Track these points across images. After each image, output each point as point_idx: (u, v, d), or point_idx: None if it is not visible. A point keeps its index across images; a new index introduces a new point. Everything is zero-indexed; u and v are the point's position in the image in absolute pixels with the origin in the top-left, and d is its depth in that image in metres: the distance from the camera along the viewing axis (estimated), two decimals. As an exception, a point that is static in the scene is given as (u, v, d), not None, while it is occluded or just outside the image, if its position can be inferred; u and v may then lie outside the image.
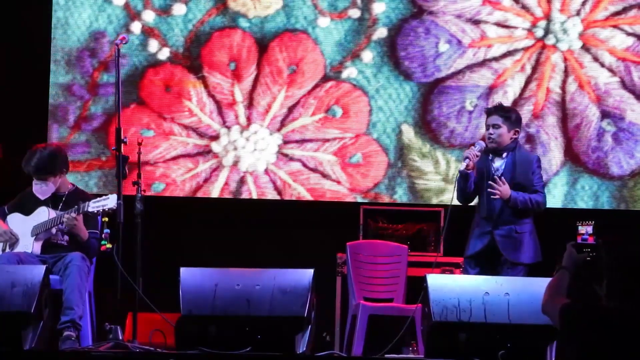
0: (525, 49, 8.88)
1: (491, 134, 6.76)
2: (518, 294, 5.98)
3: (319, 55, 8.94)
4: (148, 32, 8.94)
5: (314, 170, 8.94)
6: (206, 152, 8.98)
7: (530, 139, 8.82)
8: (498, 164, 6.84)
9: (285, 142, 8.97)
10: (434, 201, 8.85)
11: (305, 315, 6.05)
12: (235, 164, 8.97)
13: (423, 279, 6.12)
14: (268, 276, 6.14)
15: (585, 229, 5.30)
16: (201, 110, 8.93)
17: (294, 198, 8.86)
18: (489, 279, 6.15)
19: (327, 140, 8.94)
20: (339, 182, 8.91)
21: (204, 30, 8.93)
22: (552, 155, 8.85)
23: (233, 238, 8.69)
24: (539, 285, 5.59)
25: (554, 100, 8.87)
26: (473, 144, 6.88)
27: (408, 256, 8.01)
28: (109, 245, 6.53)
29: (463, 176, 6.73)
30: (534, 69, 8.88)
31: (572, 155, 8.88)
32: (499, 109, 6.85)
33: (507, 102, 8.69)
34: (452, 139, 8.92)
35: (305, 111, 8.91)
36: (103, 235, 6.60)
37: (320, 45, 8.91)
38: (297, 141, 8.96)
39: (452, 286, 6.04)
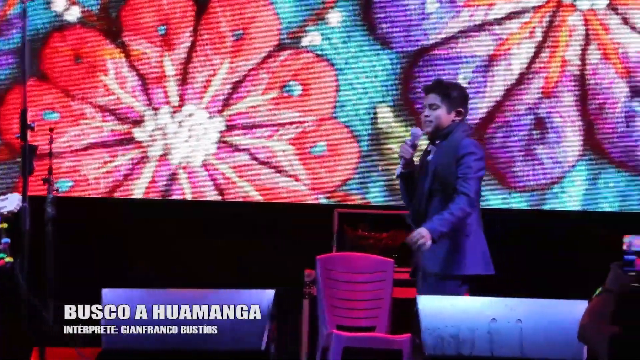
0: (536, 8, 8.56)
1: (426, 115, 6.44)
2: (533, 321, 5.81)
3: (272, 17, 8.62)
4: (53, -15, 8.84)
5: (266, 163, 8.61)
6: (127, 140, 8.68)
7: (540, 123, 8.50)
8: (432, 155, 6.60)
9: (229, 128, 8.62)
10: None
11: (263, 348, 5.85)
12: (165, 155, 8.68)
13: (413, 302, 5.92)
14: (215, 299, 5.89)
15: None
16: (121, 87, 8.59)
17: (239, 199, 8.57)
18: (496, 302, 5.95)
19: (282, 125, 8.63)
20: (297, 179, 8.60)
21: (125, -15, 8.90)
22: (568, 144, 8.52)
23: (169, 250, 8.49)
24: (560, 309, 5.77)
25: (571, 74, 8.54)
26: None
27: (394, 272, 7.76)
28: (8, 259, 6.28)
29: (403, 180, 6.44)
30: (546, 34, 8.58)
31: (593, 144, 8.64)
32: (437, 86, 6.57)
33: (512, 76, 8.49)
34: (441, 123, 8.95)
35: (255, 88, 8.57)
36: (1, 247, 6.33)
37: (274, 4, 8.60)
38: (243, 127, 8.62)
39: (449, 311, 5.83)
